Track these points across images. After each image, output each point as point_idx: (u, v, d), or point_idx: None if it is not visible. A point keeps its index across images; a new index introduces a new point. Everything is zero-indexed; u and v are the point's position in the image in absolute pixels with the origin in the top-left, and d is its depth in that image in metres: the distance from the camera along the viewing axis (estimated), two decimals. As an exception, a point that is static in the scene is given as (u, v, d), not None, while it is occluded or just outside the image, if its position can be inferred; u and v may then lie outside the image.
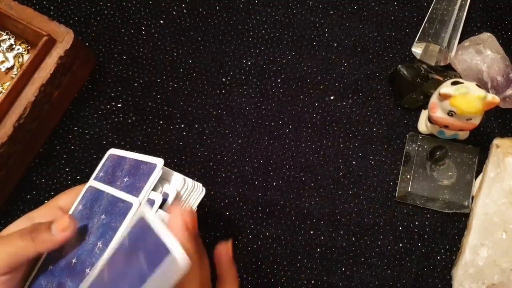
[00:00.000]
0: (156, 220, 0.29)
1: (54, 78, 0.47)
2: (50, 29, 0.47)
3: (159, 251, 0.26)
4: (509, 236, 0.47)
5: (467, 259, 0.48)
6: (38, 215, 0.37)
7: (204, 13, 0.56)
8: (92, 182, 0.39)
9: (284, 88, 0.54)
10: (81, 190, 0.39)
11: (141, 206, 0.31)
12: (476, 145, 0.52)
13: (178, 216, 0.31)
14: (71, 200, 0.38)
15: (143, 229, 0.29)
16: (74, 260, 0.34)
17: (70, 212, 0.38)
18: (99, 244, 0.33)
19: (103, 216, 0.35)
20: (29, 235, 0.33)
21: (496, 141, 0.51)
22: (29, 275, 0.36)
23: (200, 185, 0.38)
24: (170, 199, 0.35)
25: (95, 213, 0.36)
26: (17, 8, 0.48)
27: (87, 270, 0.33)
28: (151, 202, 0.34)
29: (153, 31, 0.55)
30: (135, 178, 0.35)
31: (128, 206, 0.34)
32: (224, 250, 0.37)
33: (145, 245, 0.28)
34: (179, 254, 0.26)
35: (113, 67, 0.54)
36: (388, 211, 0.51)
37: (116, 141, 0.51)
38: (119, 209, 0.34)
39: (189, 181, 0.37)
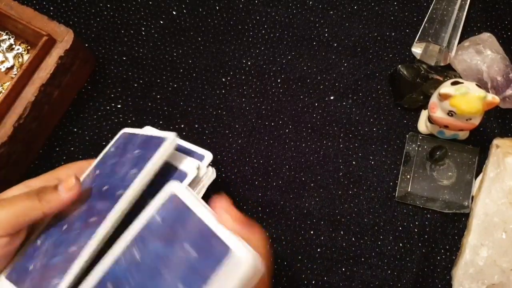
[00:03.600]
0: (199, 205, 0.27)
1: (54, 78, 0.47)
2: (50, 29, 0.47)
3: (215, 247, 0.25)
4: (509, 236, 0.47)
5: (467, 259, 0.48)
6: (36, 183, 0.36)
7: (204, 13, 0.56)
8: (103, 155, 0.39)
9: (284, 88, 0.54)
10: (83, 165, 0.38)
11: (174, 183, 0.30)
12: (476, 145, 0.52)
13: (222, 211, 0.29)
14: (71, 173, 0.37)
15: (180, 210, 0.27)
16: (105, 187, 0.33)
17: (101, 155, 0.38)
18: (133, 170, 0.32)
19: (137, 151, 0.35)
20: (36, 196, 0.32)
21: (496, 141, 0.51)
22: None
23: (211, 167, 0.38)
24: (189, 179, 0.35)
25: (128, 150, 0.36)
26: (17, 8, 0.48)
27: (118, 192, 0.32)
28: (181, 177, 0.34)
29: (153, 31, 0.55)
30: (146, 150, 0.34)
31: (161, 139, 0.34)
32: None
33: (189, 233, 0.26)
34: (245, 256, 0.24)
35: (113, 68, 0.54)
36: (388, 211, 0.51)
37: (116, 141, 0.51)
38: (153, 143, 0.34)
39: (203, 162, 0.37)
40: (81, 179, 0.37)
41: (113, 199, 0.31)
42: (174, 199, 0.28)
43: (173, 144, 0.34)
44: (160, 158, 0.33)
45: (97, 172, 0.37)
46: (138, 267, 0.27)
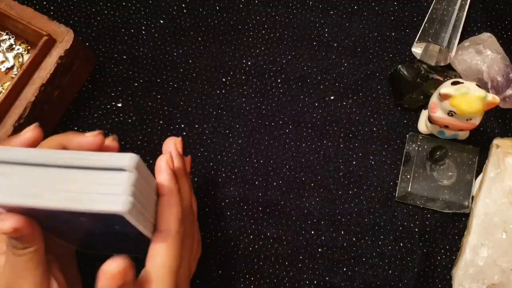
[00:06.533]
0: None
1: (54, 78, 0.47)
2: (50, 29, 0.47)
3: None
4: (509, 236, 0.47)
5: (467, 259, 0.48)
6: None
7: (204, 13, 0.56)
8: None
9: (284, 88, 0.54)
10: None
11: None
12: (476, 145, 0.52)
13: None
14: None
15: None
16: None
17: None
18: None
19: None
20: None
21: (496, 141, 0.51)
22: None
23: None
24: None
25: None
26: (17, 8, 0.48)
27: None
28: None
29: (153, 31, 0.55)
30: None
31: None
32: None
33: None
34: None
35: (113, 67, 0.54)
36: (388, 211, 0.51)
37: (116, 141, 0.51)
38: None
39: None
40: None
41: None
42: None
43: None
44: None
45: None
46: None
